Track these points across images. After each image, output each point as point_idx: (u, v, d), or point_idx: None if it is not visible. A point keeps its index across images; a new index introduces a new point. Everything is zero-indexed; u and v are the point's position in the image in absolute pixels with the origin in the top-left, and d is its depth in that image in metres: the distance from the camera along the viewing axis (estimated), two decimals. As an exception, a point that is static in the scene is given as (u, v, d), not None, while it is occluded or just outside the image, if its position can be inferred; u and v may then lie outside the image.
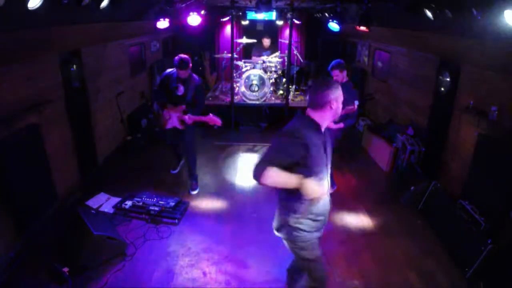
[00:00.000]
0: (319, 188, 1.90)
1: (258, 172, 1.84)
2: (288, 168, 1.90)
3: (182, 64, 3.90)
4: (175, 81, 4.03)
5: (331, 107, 2.05)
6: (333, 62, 4.11)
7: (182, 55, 3.93)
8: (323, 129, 2.11)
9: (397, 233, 3.89)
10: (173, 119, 4.11)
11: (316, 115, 2.09)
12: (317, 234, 2.27)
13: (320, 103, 2.05)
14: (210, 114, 3.95)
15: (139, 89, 7.02)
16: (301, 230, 2.18)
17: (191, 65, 3.98)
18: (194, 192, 4.56)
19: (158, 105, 4.20)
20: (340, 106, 2.11)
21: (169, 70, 4.16)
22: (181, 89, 4.01)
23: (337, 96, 2.07)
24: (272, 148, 1.98)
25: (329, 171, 2.23)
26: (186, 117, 3.93)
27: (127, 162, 5.44)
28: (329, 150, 2.18)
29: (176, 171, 5.03)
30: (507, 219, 3.25)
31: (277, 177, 1.87)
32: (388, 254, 3.56)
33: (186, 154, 4.36)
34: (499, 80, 3.56)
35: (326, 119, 2.10)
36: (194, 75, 4.04)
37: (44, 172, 3.77)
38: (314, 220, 2.18)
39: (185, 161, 4.45)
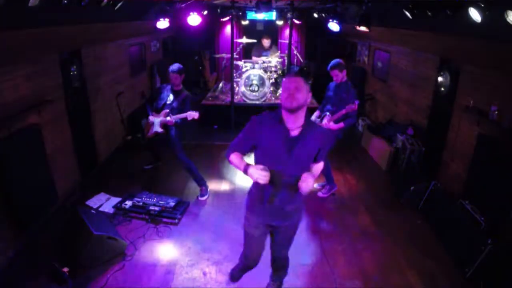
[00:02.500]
0: (260, 175, 2.04)
1: (227, 154, 2.33)
2: (251, 149, 2.27)
3: (177, 70, 4.10)
4: (168, 91, 4.25)
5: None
6: (332, 62, 4.12)
7: (177, 63, 4.17)
8: (289, 125, 2.13)
9: (397, 233, 3.89)
10: (156, 125, 4.25)
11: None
12: (257, 218, 2.45)
13: None
14: (190, 111, 4.13)
15: (139, 89, 7.03)
16: (247, 207, 2.53)
17: (183, 76, 4.18)
18: (203, 199, 4.46)
19: (147, 109, 4.39)
20: (284, 94, 2.07)
21: (164, 83, 4.46)
22: (171, 98, 4.21)
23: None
24: (240, 133, 2.31)
25: (292, 169, 2.16)
26: (168, 117, 4.10)
27: (127, 162, 5.44)
28: (296, 151, 2.14)
29: (148, 167, 5.12)
30: (507, 219, 3.25)
31: (234, 162, 2.27)
32: (388, 254, 3.56)
33: (182, 164, 4.37)
34: (499, 80, 3.56)
35: (283, 111, 2.13)
36: (186, 91, 4.27)
37: (44, 172, 3.77)
38: (255, 203, 2.41)
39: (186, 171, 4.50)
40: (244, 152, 2.30)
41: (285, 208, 2.33)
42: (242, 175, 2.19)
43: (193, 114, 4.07)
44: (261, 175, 2.04)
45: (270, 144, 2.16)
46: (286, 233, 2.56)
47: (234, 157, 2.27)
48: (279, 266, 2.87)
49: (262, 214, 2.42)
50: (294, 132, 2.14)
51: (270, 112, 2.24)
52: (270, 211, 2.36)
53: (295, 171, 2.16)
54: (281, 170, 2.16)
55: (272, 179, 2.10)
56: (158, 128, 4.23)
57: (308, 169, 2.25)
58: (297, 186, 2.12)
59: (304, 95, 2.07)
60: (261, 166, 2.06)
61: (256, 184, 2.29)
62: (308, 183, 2.07)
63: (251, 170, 2.09)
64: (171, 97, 4.20)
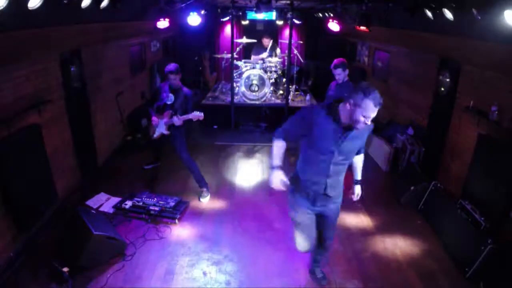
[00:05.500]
0: (275, 181, 2.30)
1: (274, 136, 2.40)
2: (299, 136, 2.34)
3: (174, 70, 4.03)
4: (166, 91, 4.18)
5: (348, 106, 2.13)
6: (335, 61, 4.12)
7: (173, 63, 4.11)
8: (344, 120, 2.20)
9: (397, 233, 3.89)
10: (160, 126, 4.20)
11: (341, 106, 2.22)
12: (304, 202, 2.51)
13: (346, 97, 2.18)
14: (194, 111, 4.06)
15: (139, 89, 7.03)
16: (292, 190, 2.53)
17: (181, 74, 4.12)
18: (204, 200, 4.43)
19: (150, 111, 4.32)
20: (359, 118, 2.10)
21: (162, 83, 4.40)
22: (171, 98, 4.15)
23: (359, 104, 2.07)
24: (292, 119, 2.38)
25: (339, 161, 2.33)
26: (175, 118, 4.04)
27: (127, 162, 5.44)
28: (345, 143, 2.26)
29: (148, 167, 5.07)
30: (507, 219, 3.25)
31: (275, 151, 2.39)
32: (388, 254, 3.56)
33: (185, 164, 4.37)
34: (499, 80, 3.56)
35: (343, 113, 2.19)
36: (185, 88, 4.20)
37: (44, 172, 3.77)
38: (303, 187, 2.47)
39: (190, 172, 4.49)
40: (292, 139, 2.40)
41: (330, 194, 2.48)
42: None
43: (198, 115, 4.02)
44: (278, 185, 2.29)
45: (320, 136, 2.24)
46: (332, 216, 2.68)
47: (278, 145, 2.37)
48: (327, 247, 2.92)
49: (309, 196, 2.49)
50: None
51: (325, 105, 2.30)
52: (315, 195, 2.47)
53: (342, 161, 2.34)
54: (330, 158, 2.29)
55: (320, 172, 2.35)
56: (163, 130, 4.17)
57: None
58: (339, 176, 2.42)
59: None
60: (283, 179, 2.29)
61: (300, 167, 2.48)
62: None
63: (274, 174, 2.30)
64: (171, 97, 4.15)
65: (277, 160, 2.36)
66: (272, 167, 2.33)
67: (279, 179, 2.29)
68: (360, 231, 3.93)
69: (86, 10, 3.24)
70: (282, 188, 2.31)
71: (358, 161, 2.69)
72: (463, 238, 3.42)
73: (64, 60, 4.13)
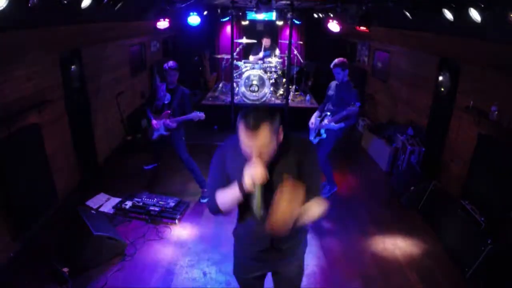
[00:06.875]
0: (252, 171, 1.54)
1: (212, 207, 1.70)
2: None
3: (178, 67, 4.04)
4: (163, 91, 4.16)
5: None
6: (335, 60, 4.12)
7: (171, 61, 4.11)
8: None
9: (397, 233, 3.89)
10: (159, 127, 4.17)
11: None
12: (248, 262, 1.90)
13: None
14: (194, 111, 4.04)
15: (139, 89, 7.03)
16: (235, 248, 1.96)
17: (177, 75, 4.09)
18: (205, 201, 4.40)
19: (148, 113, 4.28)
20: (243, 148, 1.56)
21: (160, 83, 4.38)
22: (168, 97, 4.13)
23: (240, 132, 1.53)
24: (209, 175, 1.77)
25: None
26: (168, 121, 4.02)
27: (127, 162, 5.44)
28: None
29: (148, 168, 5.03)
30: (507, 219, 3.25)
31: (224, 198, 1.66)
32: (388, 254, 3.56)
33: (185, 165, 4.35)
34: (499, 80, 3.57)
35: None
36: (182, 87, 4.18)
37: (44, 172, 3.77)
38: (240, 242, 1.89)
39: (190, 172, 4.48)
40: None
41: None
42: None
43: (198, 115, 4.01)
44: (258, 172, 1.54)
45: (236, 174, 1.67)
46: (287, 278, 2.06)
47: (221, 195, 1.70)
48: None
49: (252, 256, 1.90)
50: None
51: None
52: (256, 248, 1.84)
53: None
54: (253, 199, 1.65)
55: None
56: (162, 131, 4.15)
57: None
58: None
59: (274, 144, 1.54)
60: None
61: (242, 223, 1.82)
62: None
63: (247, 172, 1.56)
64: (168, 96, 4.12)
65: (233, 187, 1.65)
66: (237, 188, 1.63)
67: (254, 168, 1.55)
68: (360, 231, 3.92)
69: (86, 10, 3.24)
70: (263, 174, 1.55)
71: None
72: (463, 238, 3.42)
73: (64, 60, 4.13)
